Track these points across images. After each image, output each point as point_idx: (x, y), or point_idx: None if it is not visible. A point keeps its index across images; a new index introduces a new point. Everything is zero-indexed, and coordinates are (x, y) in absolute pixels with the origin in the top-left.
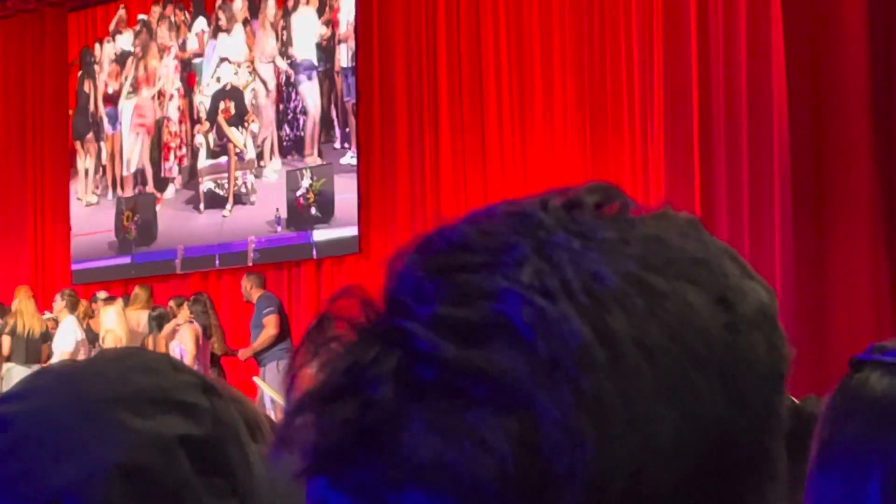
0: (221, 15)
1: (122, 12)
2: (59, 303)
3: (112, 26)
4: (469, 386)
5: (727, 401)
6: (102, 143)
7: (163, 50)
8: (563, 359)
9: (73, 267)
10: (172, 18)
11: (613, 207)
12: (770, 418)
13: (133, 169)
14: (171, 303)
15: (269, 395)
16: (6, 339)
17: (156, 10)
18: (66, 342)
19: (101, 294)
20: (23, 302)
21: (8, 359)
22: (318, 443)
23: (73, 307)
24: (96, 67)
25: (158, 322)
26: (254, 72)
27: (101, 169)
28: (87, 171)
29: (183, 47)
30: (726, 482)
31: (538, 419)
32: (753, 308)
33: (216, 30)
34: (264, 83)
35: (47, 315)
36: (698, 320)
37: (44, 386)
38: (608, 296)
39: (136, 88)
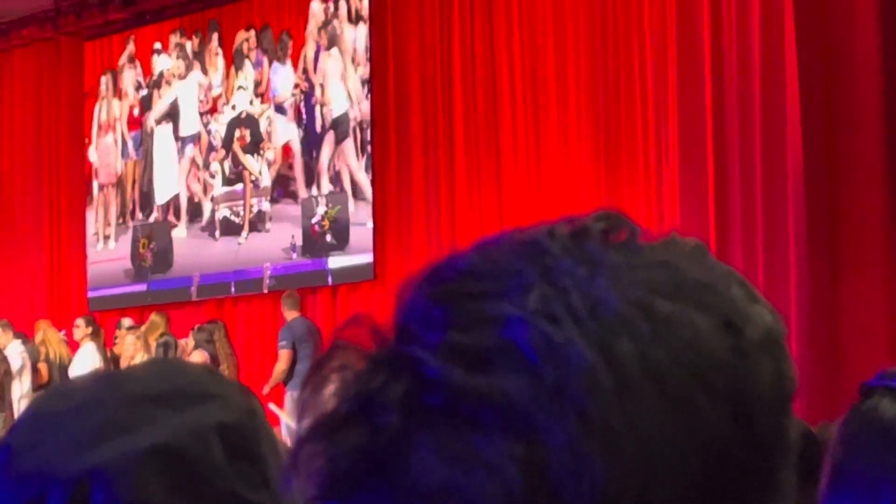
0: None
1: (156, 43)
2: (83, 328)
3: (128, 54)
4: (476, 411)
5: (734, 424)
6: (123, 169)
7: (181, 78)
8: (570, 383)
9: (90, 294)
10: (188, 46)
11: (621, 234)
12: (777, 440)
13: (168, 197)
14: (193, 332)
15: (286, 421)
16: (43, 367)
17: (173, 38)
18: (84, 368)
19: (126, 321)
20: (47, 332)
21: (48, 385)
22: (328, 469)
23: (97, 333)
24: (118, 92)
25: (165, 350)
26: (268, 99)
27: (118, 196)
28: (104, 199)
29: (203, 74)
30: (732, 502)
31: (545, 443)
32: (759, 332)
33: (234, 58)
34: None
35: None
36: (704, 344)
37: (84, 385)
38: (614, 321)
39: (169, 114)
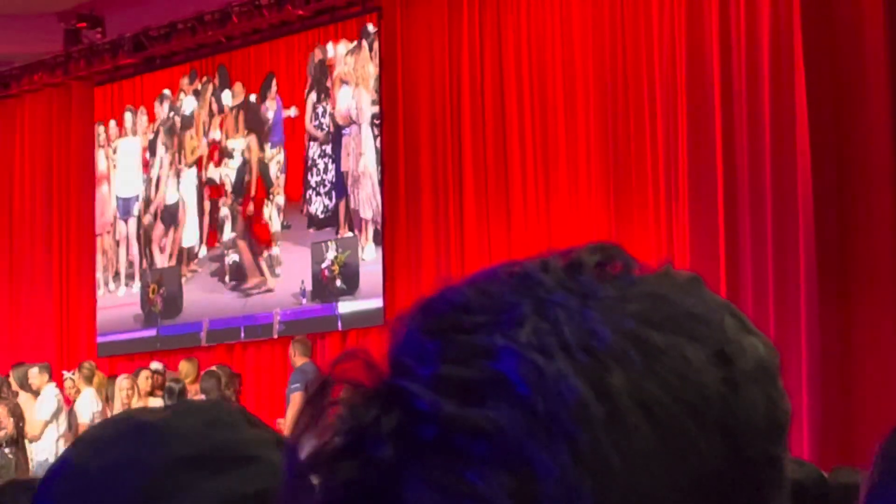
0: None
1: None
2: (77, 374)
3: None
4: (468, 444)
5: (726, 454)
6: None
7: (194, 124)
8: (561, 415)
9: (99, 340)
10: (199, 88)
11: (616, 266)
12: (770, 471)
13: (193, 241)
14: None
15: None
16: None
17: (184, 81)
18: (84, 414)
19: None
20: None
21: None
22: (321, 503)
23: (89, 380)
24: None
25: (170, 396)
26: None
27: (127, 243)
28: (114, 245)
29: (210, 118)
30: None
31: (537, 476)
32: (752, 363)
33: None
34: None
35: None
36: (696, 375)
37: (119, 437)
38: (606, 353)
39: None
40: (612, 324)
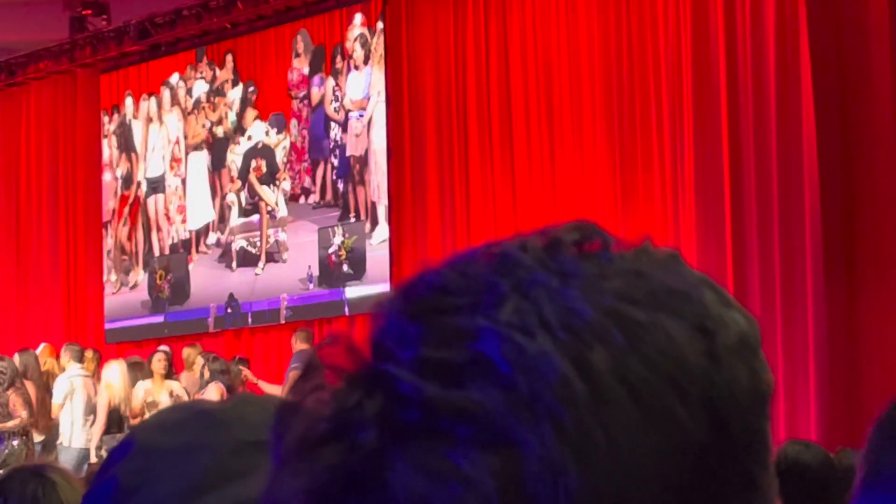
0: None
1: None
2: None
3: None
4: (451, 425)
5: (709, 428)
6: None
7: (200, 109)
8: (543, 394)
9: (107, 326)
10: (204, 73)
11: (594, 245)
12: (754, 443)
13: (202, 223)
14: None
15: None
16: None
17: (190, 67)
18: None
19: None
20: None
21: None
22: (306, 489)
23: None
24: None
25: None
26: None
27: (136, 225)
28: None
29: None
30: None
31: (521, 455)
32: (733, 336)
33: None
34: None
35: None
36: (678, 350)
37: (187, 421)
38: (587, 330)
39: (206, 141)
40: (592, 301)
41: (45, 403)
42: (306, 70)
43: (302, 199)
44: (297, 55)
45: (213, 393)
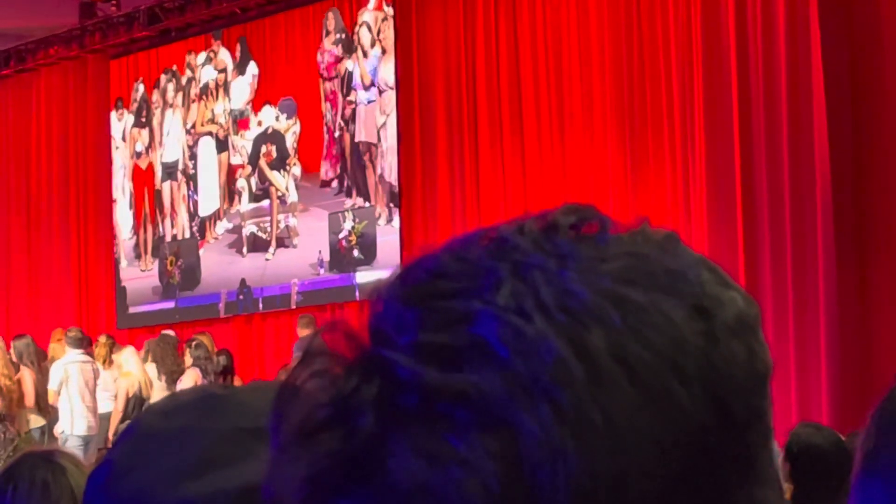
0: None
1: (201, 54)
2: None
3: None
4: (450, 409)
5: (709, 408)
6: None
7: (210, 94)
8: (541, 376)
9: (118, 312)
10: (214, 58)
11: (592, 227)
12: (754, 422)
13: (211, 210)
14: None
15: None
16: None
17: (199, 55)
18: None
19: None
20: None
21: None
22: (306, 475)
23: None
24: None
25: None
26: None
27: (145, 212)
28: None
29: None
30: (712, 488)
31: (519, 438)
32: (731, 316)
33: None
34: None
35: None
36: (676, 331)
37: (189, 405)
38: (584, 312)
39: (216, 126)
40: (589, 283)
41: (46, 389)
42: (315, 55)
43: (312, 185)
44: (307, 40)
45: (190, 379)
